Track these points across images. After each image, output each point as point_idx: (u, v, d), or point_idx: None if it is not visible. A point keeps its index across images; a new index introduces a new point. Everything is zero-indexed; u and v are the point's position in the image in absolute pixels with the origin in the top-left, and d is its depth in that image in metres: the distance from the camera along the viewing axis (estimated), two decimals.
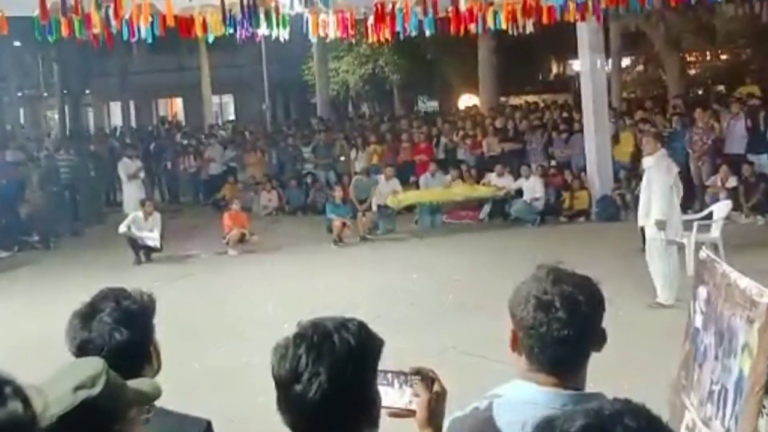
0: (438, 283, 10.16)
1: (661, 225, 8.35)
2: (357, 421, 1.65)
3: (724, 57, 23.29)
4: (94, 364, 1.71)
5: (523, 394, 1.81)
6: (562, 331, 1.77)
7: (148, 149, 21.89)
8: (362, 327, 1.75)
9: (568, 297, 1.78)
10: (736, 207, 12.66)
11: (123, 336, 2.09)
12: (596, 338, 1.84)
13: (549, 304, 1.78)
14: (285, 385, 1.64)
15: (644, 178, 8.73)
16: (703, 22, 20.24)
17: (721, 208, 10.65)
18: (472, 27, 11.23)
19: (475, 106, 22.73)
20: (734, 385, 3.69)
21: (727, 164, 13.67)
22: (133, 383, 1.81)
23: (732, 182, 13.40)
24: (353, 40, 20.68)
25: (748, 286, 3.81)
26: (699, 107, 15.38)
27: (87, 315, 2.15)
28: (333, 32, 11.01)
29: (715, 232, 9.99)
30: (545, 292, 1.79)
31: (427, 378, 1.92)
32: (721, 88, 21.23)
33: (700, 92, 21.68)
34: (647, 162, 8.65)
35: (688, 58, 22.89)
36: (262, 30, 9.96)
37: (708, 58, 23.64)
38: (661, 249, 8.41)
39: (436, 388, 1.91)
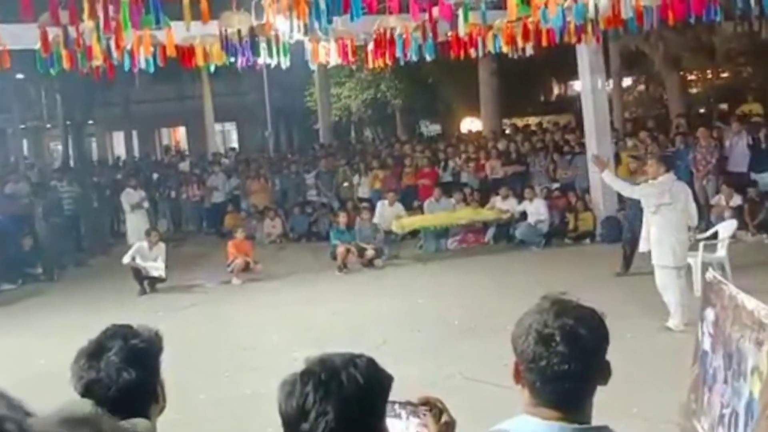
0: (443, 307, 10.10)
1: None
2: None
3: (724, 75, 23.32)
4: (84, 407, 1.69)
5: (529, 430, 1.77)
6: (563, 365, 1.73)
7: (150, 178, 21.96)
8: (371, 363, 1.71)
9: (569, 331, 1.74)
10: (742, 226, 12.60)
11: (131, 375, 2.05)
12: (600, 372, 1.80)
13: (549, 337, 1.74)
14: (292, 423, 1.61)
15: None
16: (702, 41, 20.30)
17: (727, 228, 10.60)
18: (472, 51, 11.29)
19: (478, 131, 22.80)
20: (745, 409, 3.64)
21: (730, 183, 13.64)
22: (126, 423, 1.78)
23: (736, 201, 13.36)
24: (354, 66, 20.79)
25: (756, 307, 3.78)
26: (701, 126, 15.38)
27: (94, 354, 2.11)
28: (334, 59, 11.08)
29: (721, 251, 9.93)
30: (546, 326, 1.76)
31: (436, 409, 1.89)
32: (723, 106, 21.26)
33: (702, 111, 21.70)
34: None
35: (689, 77, 22.92)
36: (263, 58, 10.03)
37: (709, 76, 23.66)
38: (673, 276, 8.21)
39: (445, 418, 1.88)
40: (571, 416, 1.76)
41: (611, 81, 20.67)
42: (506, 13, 10.19)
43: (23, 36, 9.24)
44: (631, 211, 11.11)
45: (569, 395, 1.76)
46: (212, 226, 19.47)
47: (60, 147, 34.68)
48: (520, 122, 24.60)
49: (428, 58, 11.14)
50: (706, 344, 4.29)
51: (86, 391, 2.06)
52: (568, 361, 1.72)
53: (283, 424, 1.64)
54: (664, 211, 8.20)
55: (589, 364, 1.75)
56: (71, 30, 8.54)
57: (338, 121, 28.76)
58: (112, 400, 1.94)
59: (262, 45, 9.66)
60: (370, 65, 12.51)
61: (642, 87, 26.11)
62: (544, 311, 1.79)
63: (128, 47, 9.31)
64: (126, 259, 12.92)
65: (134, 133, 35.25)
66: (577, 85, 21.02)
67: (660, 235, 8.20)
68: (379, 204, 15.70)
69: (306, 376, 1.65)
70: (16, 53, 9.52)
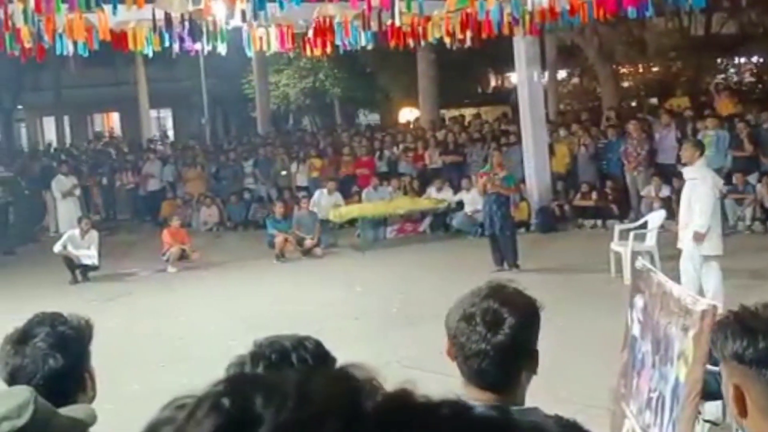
0: (381, 296, 10.16)
1: (698, 237, 8.00)
2: None
3: (655, 69, 23.91)
4: (22, 393, 1.66)
5: None
6: (480, 344, 1.79)
7: (82, 165, 21.45)
8: (319, 345, 1.73)
9: (492, 313, 1.80)
10: (670, 216, 12.97)
11: (57, 362, 2.02)
12: (524, 358, 1.85)
13: (471, 316, 1.82)
14: None
15: (684, 189, 8.50)
16: (634, 36, 20.75)
17: (656, 218, 10.91)
18: (410, 41, 11.34)
19: (416, 119, 22.90)
20: (671, 393, 3.77)
21: (659, 174, 14.02)
22: (66, 410, 1.76)
23: (665, 192, 13.73)
24: (292, 54, 20.62)
25: (683, 294, 3.91)
26: (632, 119, 15.76)
27: (20, 340, 2.07)
28: (272, 46, 10.99)
29: (651, 241, 10.22)
30: (472, 305, 1.83)
31: None
32: (654, 100, 21.77)
33: (633, 104, 22.19)
34: (687, 172, 8.45)
35: (622, 71, 23.41)
36: (199, 44, 9.89)
37: (640, 70, 24.21)
38: (696, 264, 8.09)
39: None
40: (503, 398, 1.80)
41: (547, 73, 20.99)
42: (445, 4, 10.28)
43: None
44: (487, 206, 11.31)
45: (489, 375, 1.81)
46: (148, 214, 19.14)
47: None
48: (468, 113, 24.78)
49: (367, 46, 11.15)
50: (636, 330, 4.42)
51: (11, 378, 2.02)
52: (485, 341, 1.79)
53: None
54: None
55: (508, 347, 1.79)
56: None
57: (276, 110, 28.48)
58: (38, 388, 1.90)
59: (203, 30, 9.51)
60: (308, 53, 12.45)
61: (576, 80, 26.58)
62: (477, 293, 1.86)
63: (60, 30, 9.07)
64: (57, 248, 12.62)
65: (66, 118, 34.27)
66: (513, 77, 21.28)
67: (714, 223, 8.10)
68: (317, 193, 15.67)
69: (256, 358, 1.64)
70: None
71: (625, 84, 24.16)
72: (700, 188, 8.15)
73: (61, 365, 2.01)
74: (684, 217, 8.36)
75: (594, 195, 14.59)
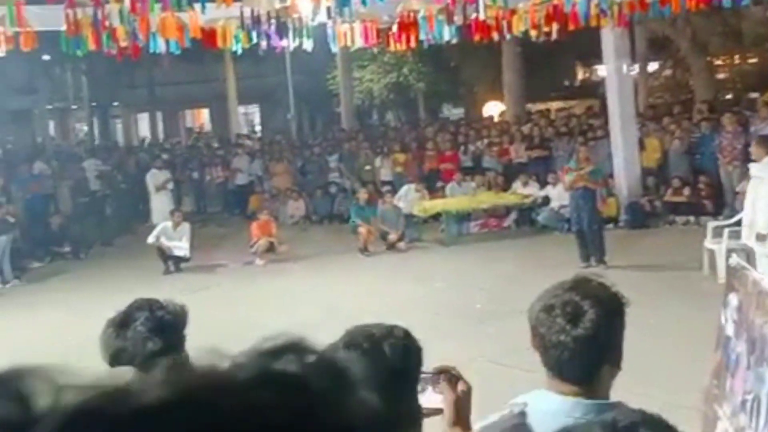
0: (465, 291, 10.12)
1: (761, 238, 7.81)
2: (402, 425, 1.67)
3: (753, 60, 22.97)
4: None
5: (547, 404, 1.81)
6: (559, 336, 1.79)
7: (175, 159, 22.14)
8: (407, 333, 1.77)
9: (572, 306, 1.80)
10: None
11: (156, 345, 2.11)
12: (606, 353, 1.83)
13: (551, 308, 1.82)
14: None
15: (749, 186, 8.37)
16: (730, 26, 19.99)
17: None
18: (495, 34, 11.24)
19: (502, 113, 22.69)
20: (767, 395, 3.63)
21: None
22: None
23: None
24: (376, 50, 20.75)
25: None
26: (727, 112, 15.20)
27: (121, 324, 2.18)
28: (357, 41, 11.08)
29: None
30: (554, 296, 1.83)
31: (451, 376, 1.93)
32: (755, 95, 20.93)
33: (729, 97, 21.38)
34: (753, 169, 8.30)
35: (716, 62, 22.61)
36: (285, 41, 10.06)
37: (736, 61, 23.31)
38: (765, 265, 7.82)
39: (461, 387, 1.92)
40: (586, 392, 1.80)
41: (637, 66, 20.46)
42: None
43: (49, 17, 9.33)
44: (574, 202, 11.10)
45: (568, 367, 1.81)
46: (237, 207, 19.60)
47: (86, 128, 34.98)
48: (554, 106, 24.42)
49: (451, 40, 11.11)
50: (730, 330, 4.28)
51: (113, 360, 2.11)
52: (563, 333, 1.79)
53: None
54: None
55: (589, 341, 1.78)
56: (98, 11, 8.64)
57: (360, 105, 28.69)
58: (138, 370, 1.99)
59: (290, 27, 9.69)
60: (392, 48, 12.49)
61: (668, 72, 25.80)
62: (562, 285, 1.86)
63: (153, 29, 9.38)
64: (151, 239, 13.07)
65: (159, 114, 35.43)
66: (601, 70, 20.84)
67: None
68: (405, 187, 15.71)
69: (350, 347, 1.69)
70: (42, 35, 9.61)
71: (720, 76, 23.32)
72: (763, 186, 7.98)
73: (159, 348, 2.10)
74: (749, 215, 8.19)
75: (686, 190, 14.14)
